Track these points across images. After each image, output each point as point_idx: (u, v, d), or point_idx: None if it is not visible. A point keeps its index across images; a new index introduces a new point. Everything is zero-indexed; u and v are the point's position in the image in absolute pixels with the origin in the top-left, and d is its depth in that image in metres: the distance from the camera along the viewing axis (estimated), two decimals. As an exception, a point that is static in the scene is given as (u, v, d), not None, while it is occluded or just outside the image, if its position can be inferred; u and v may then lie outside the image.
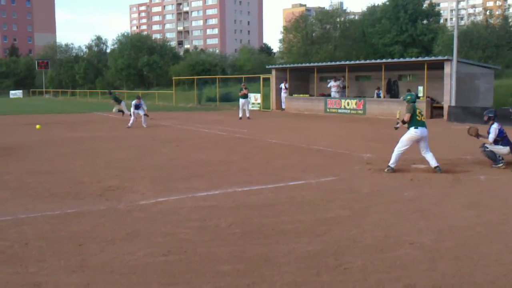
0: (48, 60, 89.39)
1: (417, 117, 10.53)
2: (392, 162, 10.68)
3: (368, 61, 32.18)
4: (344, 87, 31.55)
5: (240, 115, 26.82)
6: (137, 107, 22.64)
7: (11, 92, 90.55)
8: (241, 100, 26.94)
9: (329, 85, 31.88)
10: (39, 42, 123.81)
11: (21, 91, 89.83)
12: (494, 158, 11.34)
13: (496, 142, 11.27)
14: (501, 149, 11.25)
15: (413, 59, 31.72)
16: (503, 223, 6.88)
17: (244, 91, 26.88)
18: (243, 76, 41.00)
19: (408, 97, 10.89)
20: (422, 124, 10.52)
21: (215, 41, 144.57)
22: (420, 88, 27.05)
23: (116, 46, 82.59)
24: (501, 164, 11.23)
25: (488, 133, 11.37)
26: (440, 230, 6.57)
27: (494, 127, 11.26)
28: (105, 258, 5.59)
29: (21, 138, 18.49)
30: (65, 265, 5.39)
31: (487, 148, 11.35)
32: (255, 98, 36.26)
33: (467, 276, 5.05)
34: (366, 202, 8.18)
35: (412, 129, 10.52)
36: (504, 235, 6.36)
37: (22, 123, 25.80)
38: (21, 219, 7.20)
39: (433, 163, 10.61)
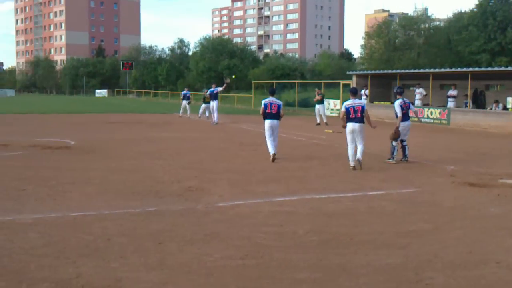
0: (132, 61, 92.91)
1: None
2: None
3: (453, 69, 31.07)
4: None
5: (318, 121, 26.63)
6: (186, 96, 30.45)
7: (97, 91, 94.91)
8: (317, 106, 26.90)
9: (416, 92, 30.79)
10: (124, 44, 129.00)
11: (106, 90, 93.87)
12: (391, 152, 12.91)
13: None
14: (402, 124, 12.90)
15: (502, 68, 30.36)
16: None
17: (318, 97, 26.77)
18: (322, 81, 40.65)
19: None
20: None
21: (295, 45, 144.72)
22: (509, 99, 25.81)
23: (198, 49, 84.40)
24: (391, 160, 12.76)
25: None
26: (530, 250, 6.21)
27: (396, 104, 13.08)
28: (184, 258, 5.67)
29: (106, 136, 19.24)
30: (145, 262, 5.51)
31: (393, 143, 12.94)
32: (334, 104, 35.90)
33: (561, 302, 4.74)
34: (449, 216, 7.87)
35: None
36: None
37: (107, 122, 26.86)
38: (104, 215, 7.46)
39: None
